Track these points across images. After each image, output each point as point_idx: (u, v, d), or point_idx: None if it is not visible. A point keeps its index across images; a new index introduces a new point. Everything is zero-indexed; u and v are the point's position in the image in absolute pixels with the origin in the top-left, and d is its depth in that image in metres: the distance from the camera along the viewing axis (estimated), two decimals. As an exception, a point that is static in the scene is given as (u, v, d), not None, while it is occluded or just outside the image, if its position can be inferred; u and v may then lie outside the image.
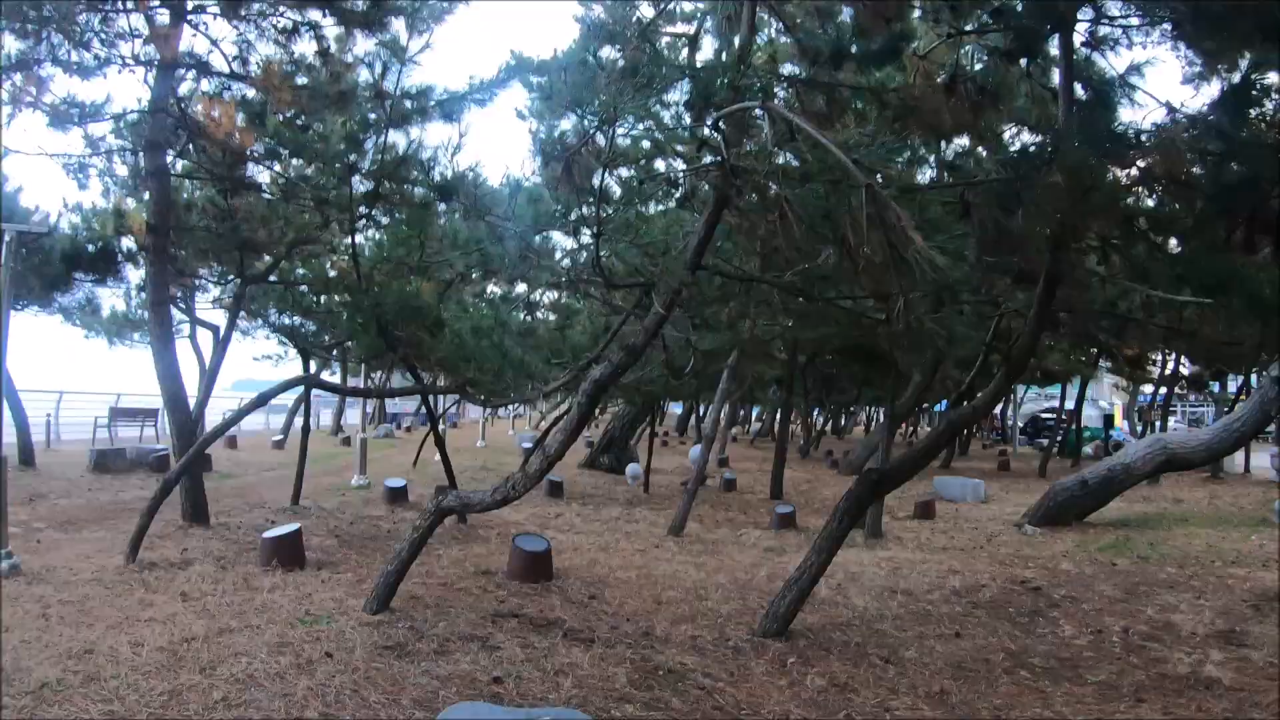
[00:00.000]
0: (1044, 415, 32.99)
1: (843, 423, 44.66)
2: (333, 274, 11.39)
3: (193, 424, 9.17)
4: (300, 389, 10.92)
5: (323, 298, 10.94)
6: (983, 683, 5.41)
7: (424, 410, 14.15)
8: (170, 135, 8.74)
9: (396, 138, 8.52)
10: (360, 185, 8.67)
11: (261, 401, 7.49)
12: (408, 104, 8.42)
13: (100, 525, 9.33)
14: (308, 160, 8.56)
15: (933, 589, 7.99)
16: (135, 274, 14.37)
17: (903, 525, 12.90)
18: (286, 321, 11.92)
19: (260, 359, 29.33)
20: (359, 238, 9.87)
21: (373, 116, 8.48)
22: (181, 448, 8.85)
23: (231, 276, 13.31)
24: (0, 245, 6.87)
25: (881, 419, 40.53)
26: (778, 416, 20.19)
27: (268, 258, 12.18)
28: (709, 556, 9.62)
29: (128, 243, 12.76)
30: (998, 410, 31.95)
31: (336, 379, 20.45)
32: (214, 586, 6.72)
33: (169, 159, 8.99)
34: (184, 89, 9.13)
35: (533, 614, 6.40)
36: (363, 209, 8.85)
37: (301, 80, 8.37)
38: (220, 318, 17.19)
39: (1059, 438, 25.32)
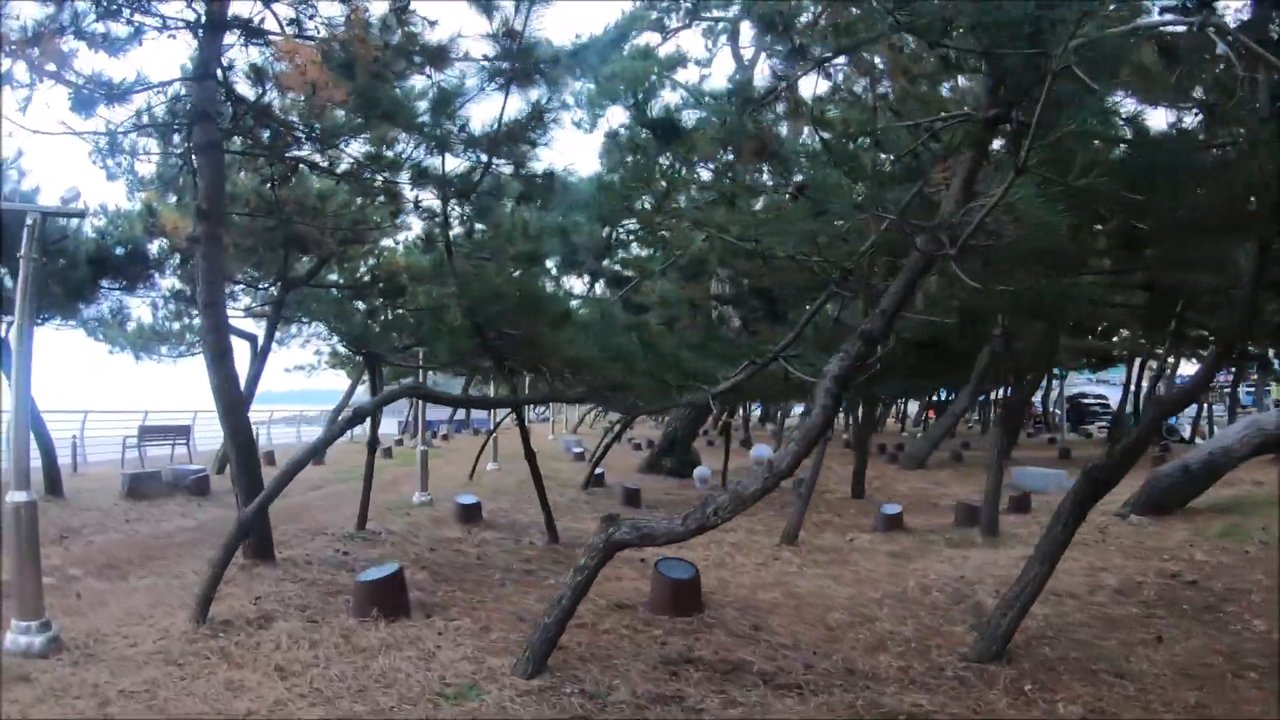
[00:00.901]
0: (1086, 401, 31.26)
1: (876, 415, 42.32)
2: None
3: (254, 447, 7.45)
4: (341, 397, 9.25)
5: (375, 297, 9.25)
6: (1227, 690, 4.87)
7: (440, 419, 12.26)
8: (219, 106, 7.02)
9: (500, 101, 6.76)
10: (459, 158, 6.96)
11: (361, 417, 5.81)
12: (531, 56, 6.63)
13: (147, 568, 7.61)
14: (403, 125, 6.80)
15: (1093, 590, 7.19)
16: (164, 281, 12.72)
17: (1004, 519, 11.43)
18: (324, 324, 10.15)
19: (293, 370, 27.58)
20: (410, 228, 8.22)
21: (468, 81, 6.75)
22: (243, 474, 7.16)
23: (270, 280, 11.59)
24: (19, 233, 5.20)
25: (914, 411, 38.51)
26: (846, 412, 18.45)
27: (304, 260, 10.50)
28: (838, 567, 8.51)
29: (147, 247, 11.07)
30: (1037, 397, 30.11)
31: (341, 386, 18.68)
32: (313, 653, 5.15)
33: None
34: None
35: (708, 657, 5.38)
36: (459, 186, 7.09)
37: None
38: (248, 325, 15.55)
39: (1109, 423, 23.75)
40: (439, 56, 6.43)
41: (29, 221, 5.21)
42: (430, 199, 8.16)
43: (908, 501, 13.77)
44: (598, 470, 14.24)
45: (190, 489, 12.03)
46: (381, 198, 8.45)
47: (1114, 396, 29.59)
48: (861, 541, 10.20)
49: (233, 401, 7.12)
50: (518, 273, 7.23)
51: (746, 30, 18.60)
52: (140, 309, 14.62)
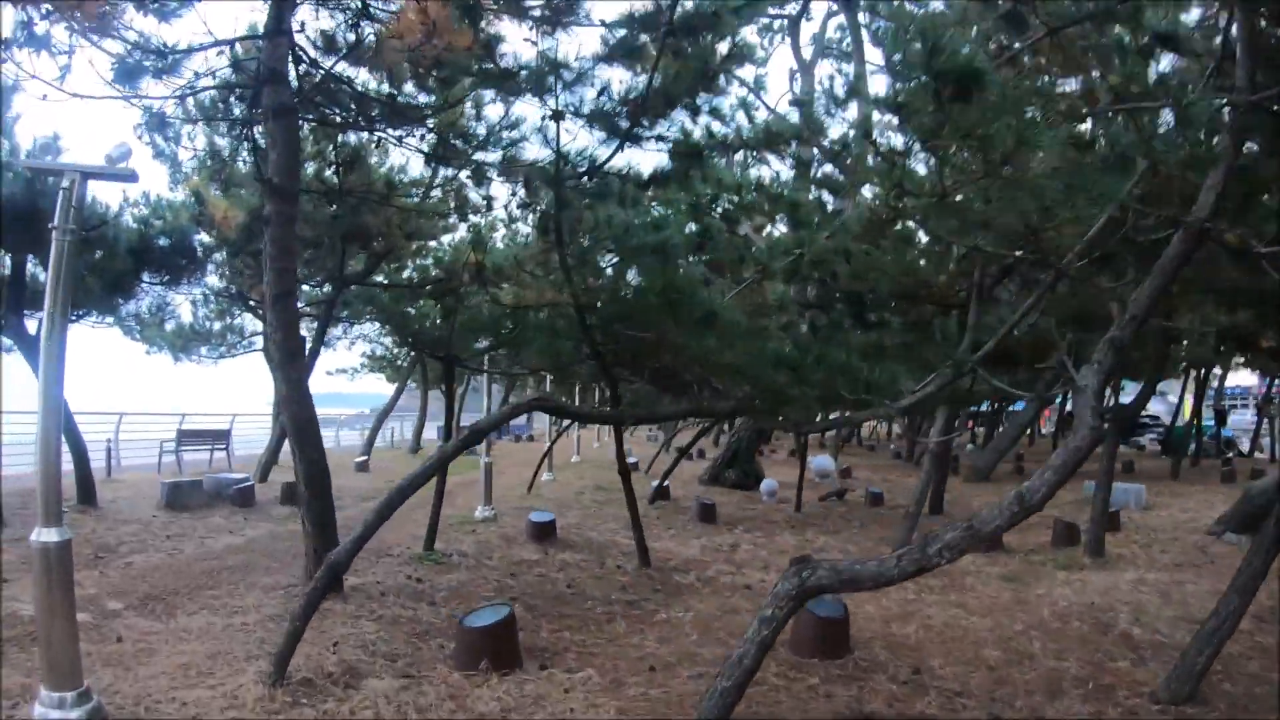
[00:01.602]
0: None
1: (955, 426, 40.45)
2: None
3: (327, 471, 6.20)
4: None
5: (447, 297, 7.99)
6: None
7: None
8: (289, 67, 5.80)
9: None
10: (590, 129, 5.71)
11: (479, 435, 4.54)
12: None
13: (197, 599, 6.35)
14: (530, 85, 5.50)
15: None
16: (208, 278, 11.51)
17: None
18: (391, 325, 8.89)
19: (334, 373, 26.27)
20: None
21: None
22: (314, 501, 5.94)
23: (323, 276, 10.36)
24: (55, 200, 4.00)
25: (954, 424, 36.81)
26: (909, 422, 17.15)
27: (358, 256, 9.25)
28: (957, 593, 7.54)
29: (194, 238, 9.84)
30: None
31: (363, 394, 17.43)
32: (421, 722, 3.89)
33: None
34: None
35: (886, 713, 4.60)
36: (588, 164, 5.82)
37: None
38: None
39: (1160, 436, 22.37)
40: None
41: (65, 184, 4.00)
42: (514, 181, 6.92)
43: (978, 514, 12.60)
44: (662, 483, 13.02)
45: (234, 500, 10.80)
46: (467, 178, 7.18)
47: (1153, 408, 28.26)
48: (967, 564, 8.98)
49: (305, 417, 5.90)
50: (631, 270, 5.96)
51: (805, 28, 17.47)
52: (181, 306, 13.35)
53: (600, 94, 5.73)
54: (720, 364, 5.67)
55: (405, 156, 9.16)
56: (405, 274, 12.76)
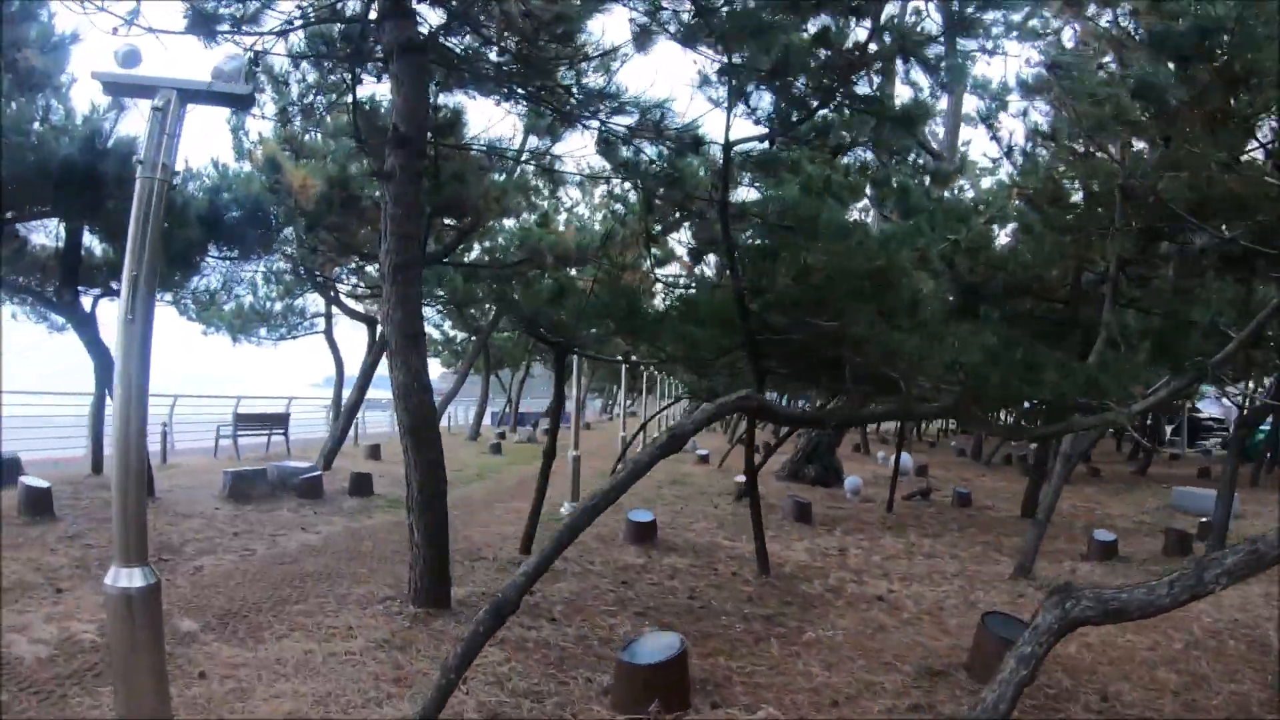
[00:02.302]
0: (1200, 416, 28.23)
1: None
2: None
3: (444, 468, 5.12)
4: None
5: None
6: None
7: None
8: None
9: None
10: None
11: (681, 441, 3.42)
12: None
13: (284, 617, 5.32)
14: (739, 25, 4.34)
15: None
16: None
17: (1199, 549, 9.50)
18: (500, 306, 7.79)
19: None
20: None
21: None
22: (427, 511, 4.87)
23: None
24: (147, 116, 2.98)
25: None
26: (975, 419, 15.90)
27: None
28: None
29: (269, 209, 8.76)
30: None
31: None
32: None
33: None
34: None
35: None
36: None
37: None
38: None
39: (1226, 441, 20.91)
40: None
41: (157, 104, 2.94)
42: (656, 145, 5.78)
43: (1069, 520, 11.74)
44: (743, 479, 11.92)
45: (300, 490, 9.78)
46: (600, 145, 6.02)
47: (1206, 409, 26.91)
48: (1084, 574, 8.32)
49: (425, 412, 4.82)
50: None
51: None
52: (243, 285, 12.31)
53: (785, 52, 4.58)
54: (925, 360, 4.55)
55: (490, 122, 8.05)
56: (470, 255, 11.78)
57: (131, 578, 2.73)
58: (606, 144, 5.94)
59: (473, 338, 19.28)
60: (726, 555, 8.08)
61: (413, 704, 4.02)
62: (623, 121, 5.61)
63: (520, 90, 5.56)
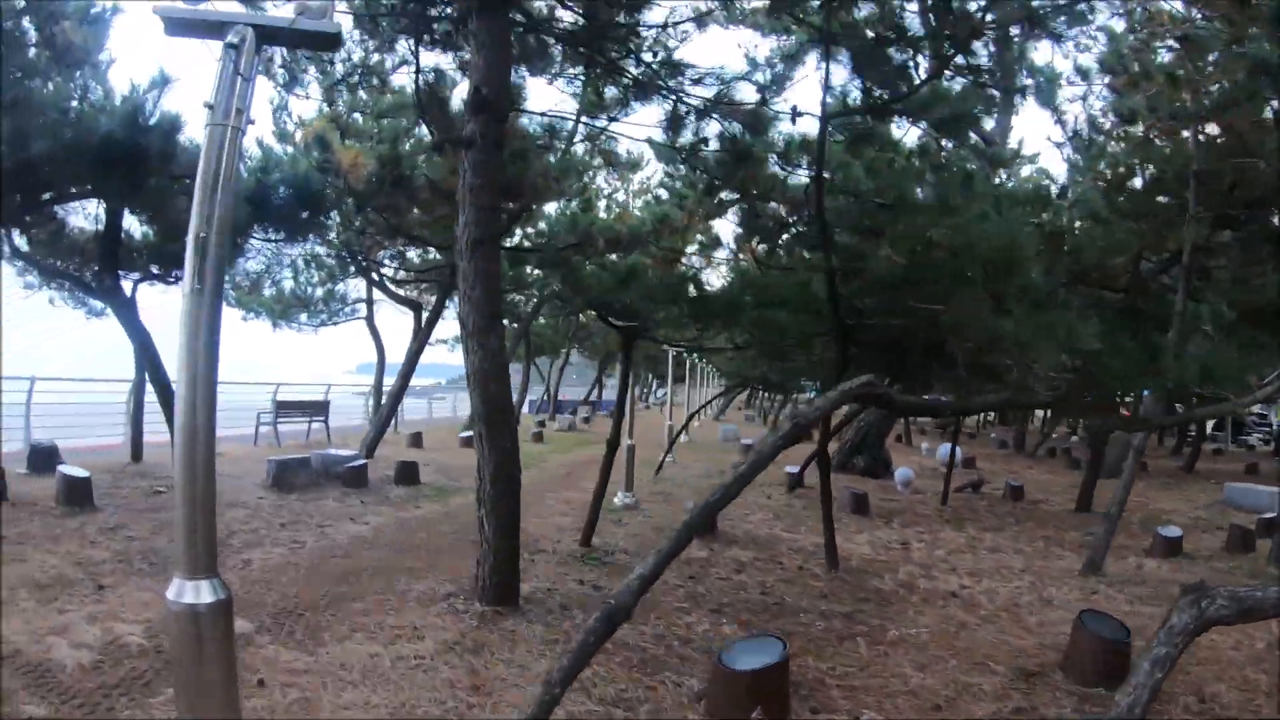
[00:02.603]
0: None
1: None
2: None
3: (518, 457, 4.73)
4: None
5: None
6: None
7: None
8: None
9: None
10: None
11: (804, 429, 3.12)
12: None
13: (343, 616, 4.94)
14: None
15: None
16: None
17: (1262, 546, 9.05)
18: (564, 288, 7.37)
19: (435, 343, 24.91)
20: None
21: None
22: (502, 494, 4.47)
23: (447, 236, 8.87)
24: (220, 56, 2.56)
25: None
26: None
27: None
28: (1168, 604, 5.92)
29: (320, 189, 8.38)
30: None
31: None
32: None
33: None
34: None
35: None
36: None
37: None
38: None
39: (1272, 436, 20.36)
40: None
41: (233, 40, 2.52)
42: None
43: (1125, 515, 11.01)
44: (793, 469, 11.54)
45: (344, 480, 9.44)
46: (663, 121, 5.56)
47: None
48: (1150, 571, 7.86)
49: (501, 398, 4.43)
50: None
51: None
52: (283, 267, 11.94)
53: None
54: (1040, 346, 4.11)
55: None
56: (514, 239, 11.36)
57: (199, 592, 2.31)
58: (676, 120, 5.49)
59: (514, 325, 18.94)
60: (788, 548, 7.74)
61: (496, 714, 3.64)
62: (701, 93, 5.18)
63: (599, 56, 5.11)
